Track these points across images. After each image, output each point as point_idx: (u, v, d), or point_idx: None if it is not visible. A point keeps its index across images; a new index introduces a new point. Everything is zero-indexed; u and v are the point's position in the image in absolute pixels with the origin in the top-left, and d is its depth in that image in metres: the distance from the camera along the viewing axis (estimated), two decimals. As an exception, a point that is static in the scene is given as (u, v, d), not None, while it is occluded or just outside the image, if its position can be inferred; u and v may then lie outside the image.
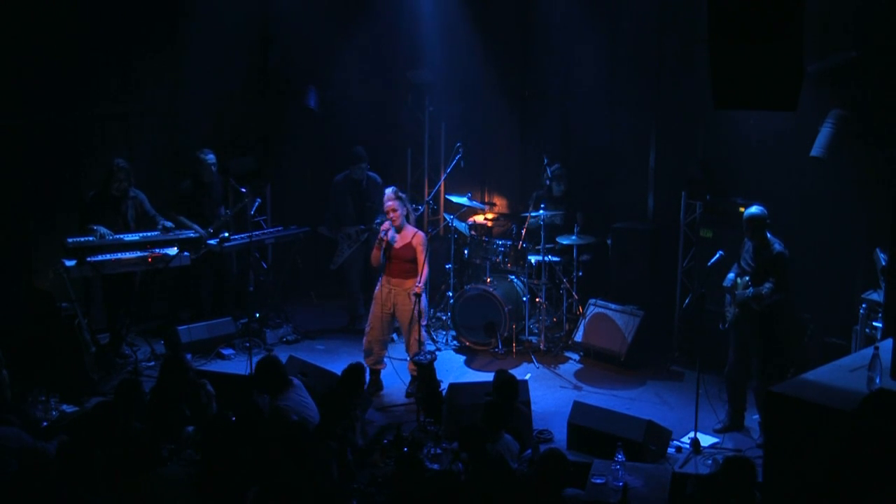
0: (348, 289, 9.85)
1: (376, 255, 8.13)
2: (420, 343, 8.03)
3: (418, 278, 8.04)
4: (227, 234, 9.05)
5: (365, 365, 8.25)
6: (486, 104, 10.62)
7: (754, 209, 7.22)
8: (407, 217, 8.16)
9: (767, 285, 6.95)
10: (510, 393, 6.87)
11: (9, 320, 7.85)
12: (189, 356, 7.85)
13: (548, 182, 9.57)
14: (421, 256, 8.08)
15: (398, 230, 8.06)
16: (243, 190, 8.97)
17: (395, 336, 8.76)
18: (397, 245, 8.08)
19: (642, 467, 6.33)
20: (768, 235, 7.20)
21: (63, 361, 7.87)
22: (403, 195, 8.20)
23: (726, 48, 5.21)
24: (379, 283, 8.25)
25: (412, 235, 8.10)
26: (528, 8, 10.27)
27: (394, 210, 8.02)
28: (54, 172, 9.00)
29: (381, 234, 8.06)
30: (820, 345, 8.03)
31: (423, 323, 8.14)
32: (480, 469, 5.72)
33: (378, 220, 9.22)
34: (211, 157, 9.18)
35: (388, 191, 8.17)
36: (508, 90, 10.53)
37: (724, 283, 7.39)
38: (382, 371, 8.45)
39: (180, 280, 9.47)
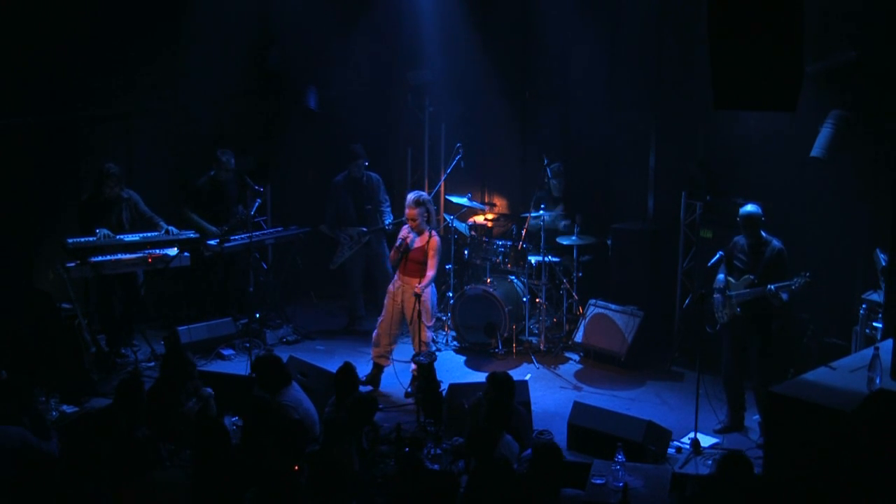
0: (348, 289, 9.85)
1: (394, 256, 8.29)
2: (425, 344, 8.04)
3: (424, 279, 8.10)
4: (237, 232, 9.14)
5: (365, 361, 8.34)
6: (486, 104, 10.60)
7: (751, 207, 7.24)
8: (428, 220, 8.23)
9: (797, 280, 6.94)
10: (509, 391, 6.85)
11: (9, 320, 7.85)
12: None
13: (547, 181, 9.56)
14: (431, 260, 8.16)
15: (419, 233, 8.18)
16: (260, 188, 8.99)
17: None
18: (414, 245, 8.17)
19: (642, 468, 6.32)
20: (763, 234, 7.22)
21: (63, 361, 7.87)
22: (425, 197, 8.26)
23: (726, 48, 5.22)
24: (394, 279, 8.37)
25: (427, 239, 8.20)
26: (527, 8, 10.26)
27: (413, 219, 8.15)
28: (55, 172, 8.99)
29: (400, 241, 8.18)
30: (820, 345, 8.03)
31: (428, 324, 8.16)
32: (487, 473, 5.68)
33: (388, 223, 9.25)
34: (232, 161, 9.24)
35: (410, 198, 8.25)
36: (508, 90, 10.52)
37: (716, 285, 7.38)
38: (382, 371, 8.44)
39: (181, 280, 9.47)
